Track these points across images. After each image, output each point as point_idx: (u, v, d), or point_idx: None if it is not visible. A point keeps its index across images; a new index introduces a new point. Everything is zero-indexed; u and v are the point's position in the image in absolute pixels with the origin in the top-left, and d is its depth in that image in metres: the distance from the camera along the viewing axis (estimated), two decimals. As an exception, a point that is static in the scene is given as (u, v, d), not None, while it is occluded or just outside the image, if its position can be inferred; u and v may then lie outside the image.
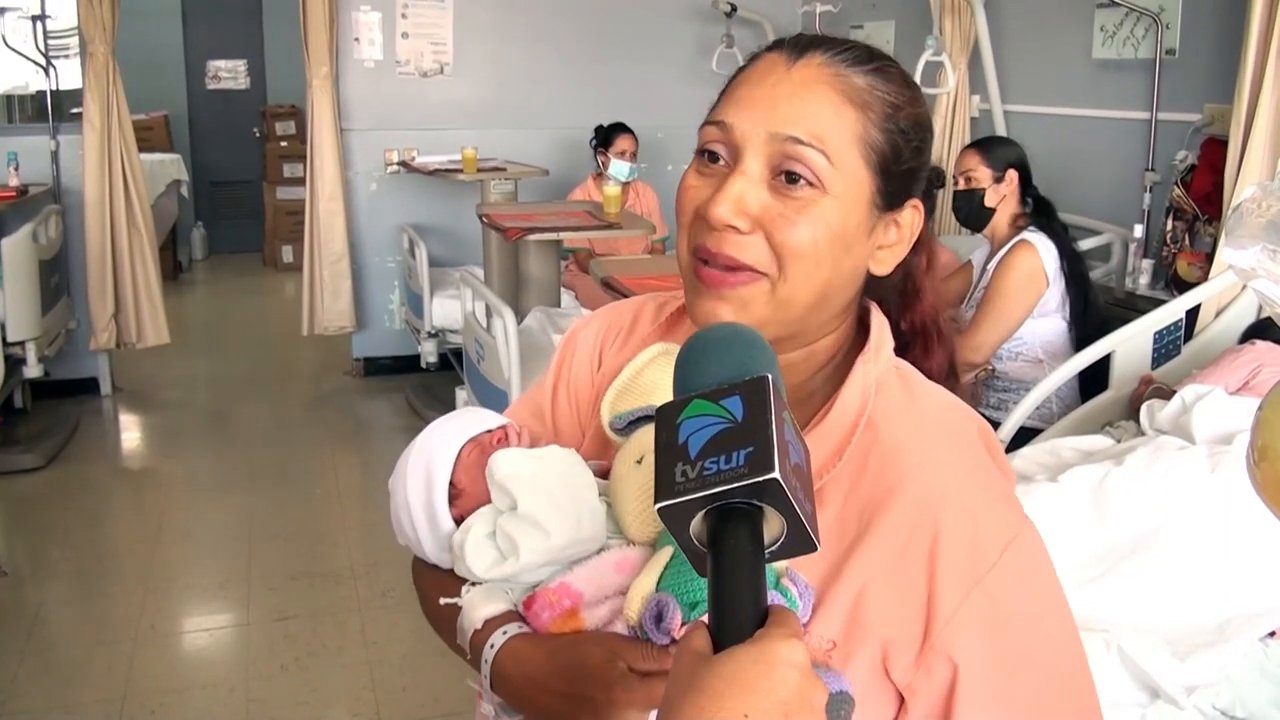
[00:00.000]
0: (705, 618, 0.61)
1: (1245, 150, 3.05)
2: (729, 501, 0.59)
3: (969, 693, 0.76)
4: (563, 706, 0.80)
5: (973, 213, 3.20)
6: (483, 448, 0.95)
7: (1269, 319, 2.91)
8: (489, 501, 0.91)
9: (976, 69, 4.51)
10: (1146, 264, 3.55)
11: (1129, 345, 2.93)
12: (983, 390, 3.21)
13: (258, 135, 8.46)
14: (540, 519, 0.85)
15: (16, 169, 4.68)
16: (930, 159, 0.90)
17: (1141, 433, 2.54)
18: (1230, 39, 3.25)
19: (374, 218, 5.44)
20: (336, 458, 4.60)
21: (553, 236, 4.15)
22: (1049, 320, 3.13)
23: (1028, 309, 3.08)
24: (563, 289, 4.64)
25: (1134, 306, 3.36)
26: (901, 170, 0.85)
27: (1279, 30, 2.96)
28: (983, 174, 3.16)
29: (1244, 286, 3.06)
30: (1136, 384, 2.88)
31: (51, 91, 5.04)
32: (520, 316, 3.97)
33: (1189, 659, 1.86)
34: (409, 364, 5.39)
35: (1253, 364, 2.62)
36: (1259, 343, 2.72)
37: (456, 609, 0.89)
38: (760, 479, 0.57)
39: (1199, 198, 3.40)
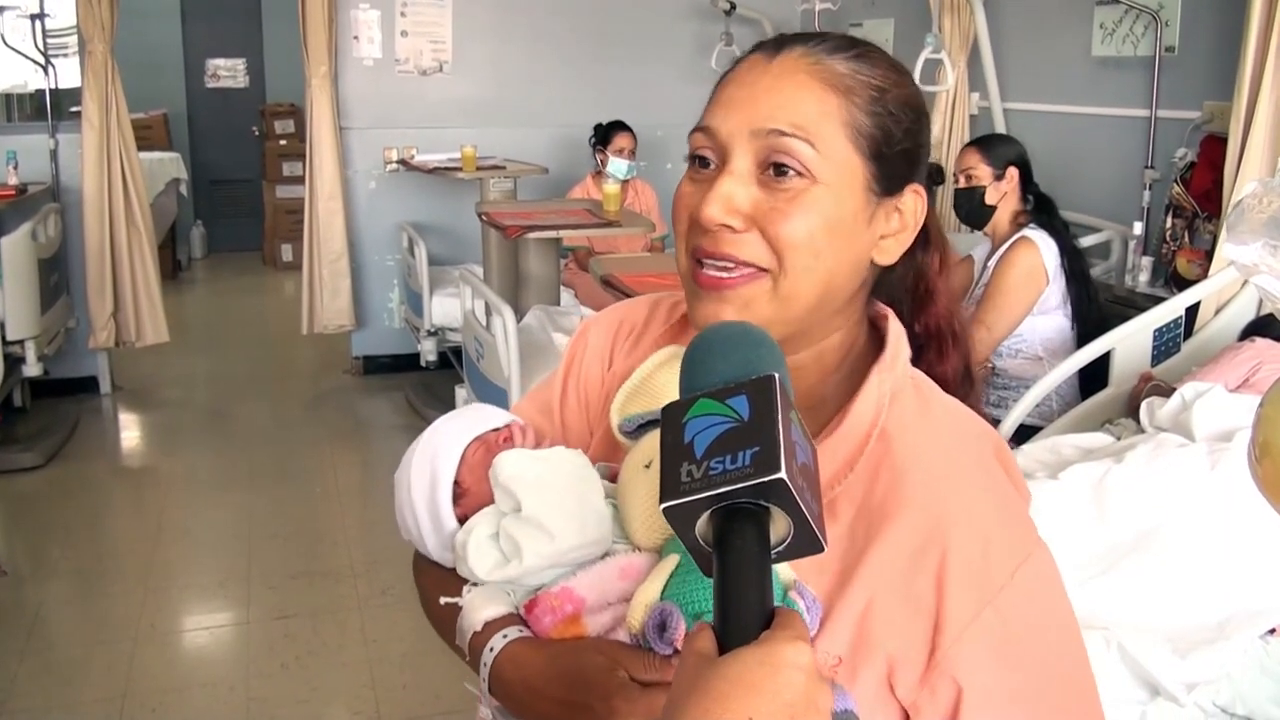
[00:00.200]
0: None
1: (1245, 147, 3.05)
2: (735, 502, 0.58)
3: (973, 716, 0.75)
4: (561, 714, 0.78)
5: (973, 210, 3.20)
6: (489, 447, 0.94)
7: (1268, 316, 2.91)
8: (494, 501, 0.89)
9: (976, 67, 4.51)
10: (1146, 261, 3.55)
11: (1129, 343, 2.93)
12: (983, 388, 3.21)
13: (257, 134, 8.45)
14: (544, 522, 0.83)
15: (16, 168, 4.67)
16: (928, 142, 0.88)
17: (1141, 430, 2.54)
18: (1230, 36, 3.25)
19: (373, 216, 5.44)
20: (336, 456, 4.59)
21: (552, 235, 4.15)
22: (1050, 318, 3.13)
23: (1028, 306, 3.08)
24: (562, 287, 4.64)
25: (1133, 304, 3.36)
26: (895, 152, 0.83)
27: (1279, 27, 2.96)
28: (983, 172, 3.16)
29: (1244, 283, 3.06)
30: (1136, 381, 2.88)
31: (50, 90, 5.04)
32: (520, 315, 3.97)
33: (1189, 656, 1.86)
34: (408, 362, 5.39)
35: (1252, 361, 2.62)
36: (1258, 340, 2.72)
37: (457, 609, 0.88)
38: (766, 479, 0.57)
39: (1198, 195, 3.40)
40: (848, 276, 0.84)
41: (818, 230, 0.80)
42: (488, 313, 3.54)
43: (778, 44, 0.85)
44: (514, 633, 0.83)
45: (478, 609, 0.86)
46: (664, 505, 0.59)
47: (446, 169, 5.02)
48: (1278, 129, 3.03)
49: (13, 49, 5.25)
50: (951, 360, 0.94)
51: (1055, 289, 3.10)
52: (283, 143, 8.19)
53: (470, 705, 0.95)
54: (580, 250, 4.96)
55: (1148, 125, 3.71)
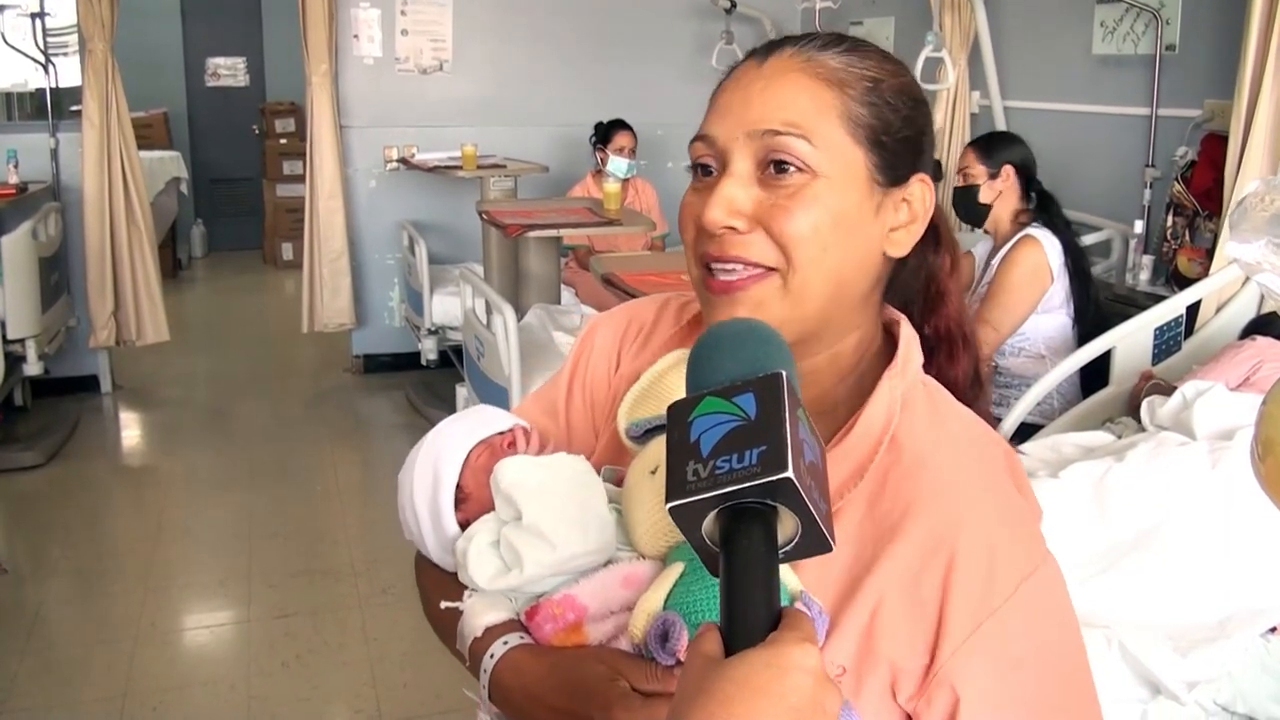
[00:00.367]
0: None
1: (1246, 146, 3.05)
2: (742, 501, 0.58)
3: None
4: None
5: (970, 209, 3.23)
6: (493, 450, 0.93)
7: (1269, 314, 2.91)
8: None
9: (976, 65, 4.50)
10: (1147, 260, 3.55)
11: (1129, 341, 2.93)
12: (991, 389, 3.21)
13: (257, 132, 8.45)
14: (545, 530, 0.82)
15: (16, 166, 4.67)
16: (931, 130, 0.87)
17: (1142, 429, 2.54)
18: (1230, 34, 3.25)
19: (373, 215, 5.43)
20: (336, 455, 4.59)
21: (553, 233, 4.15)
22: (1052, 316, 3.13)
23: (1033, 304, 3.09)
24: (563, 286, 4.64)
25: (1134, 302, 3.36)
26: (896, 140, 0.83)
27: (1279, 25, 2.96)
28: (978, 170, 3.19)
29: (1245, 282, 3.06)
30: (1137, 380, 2.88)
31: (51, 89, 5.04)
32: (520, 313, 3.97)
33: (1190, 655, 1.86)
34: (409, 361, 5.38)
35: (1253, 360, 2.62)
36: (1259, 338, 2.72)
37: (458, 613, 0.87)
38: (773, 478, 0.56)
39: (1199, 193, 3.40)
40: (858, 269, 0.84)
41: (823, 223, 0.80)
42: (488, 311, 3.54)
43: (768, 48, 0.85)
44: (515, 639, 0.82)
45: (478, 614, 0.85)
46: (670, 505, 0.58)
47: (447, 168, 5.02)
48: (1278, 127, 3.03)
49: (13, 48, 5.25)
50: (962, 363, 0.93)
51: (1059, 287, 3.10)
52: (283, 141, 8.19)
53: (470, 705, 0.94)
54: (581, 249, 4.96)
55: (1148, 123, 3.71)
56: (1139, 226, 3.60)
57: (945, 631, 0.75)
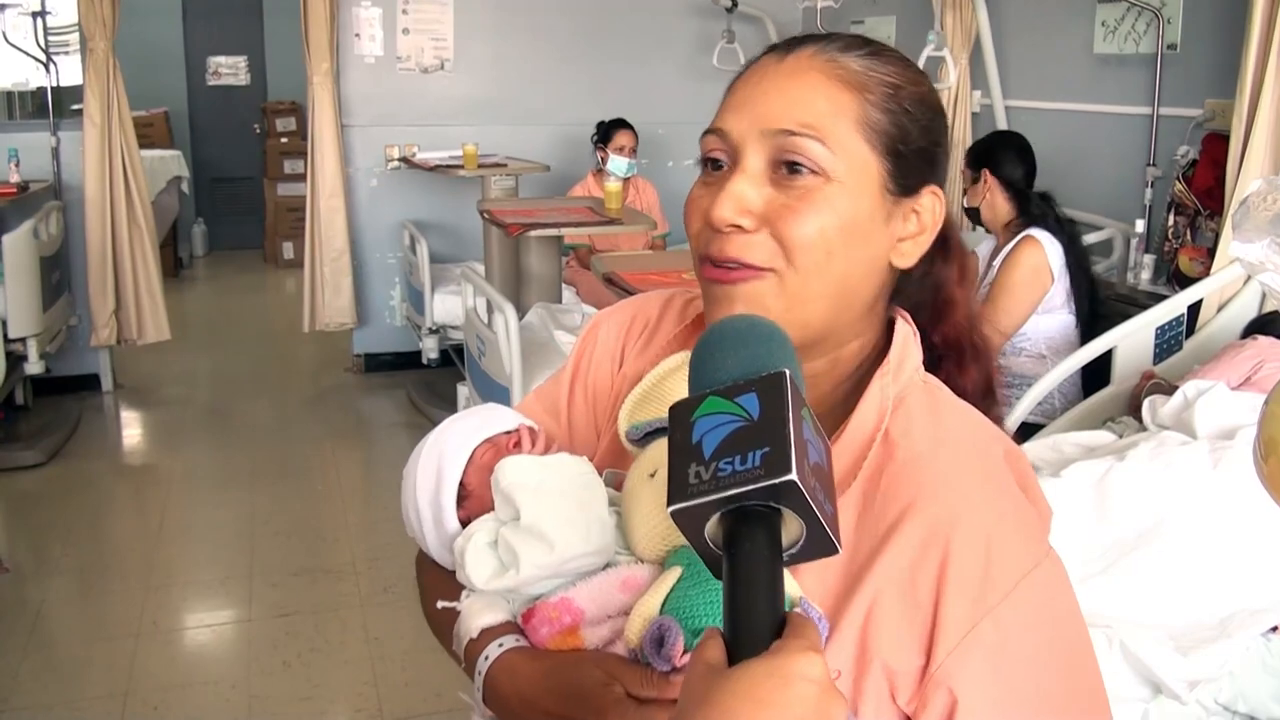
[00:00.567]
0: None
1: (1247, 145, 3.05)
2: (745, 504, 0.56)
3: None
4: None
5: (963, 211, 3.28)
6: (498, 449, 0.92)
7: (1270, 314, 2.91)
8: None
9: (978, 64, 4.50)
10: (1148, 259, 3.55)
11: (1130, 340, 2.93)
12: (1003, 397, 3.22)
13: (258, 131, 8.45)
14: (544, 530, 0.81)
15: (17, 165, 4.68)
16: (947, 142, 0.86)
17: (1143, 428, 2.54)
18: (1232, 33, 3.25)
19: (375, 214, 5.43)
20: (338, 454, 4.60)
21: (554, 232, 4.15)
22: (1054, 316, 3.13)
23: (1034, 304, 3.09)
24: (564, 285, 4.63)
25: (1135, 302, 3.36)
26: (912, 150, 0.81)
27: (1281, 25, 2.95)
28: (963, 175, 3.27)
29: (1246, 281, 3.06)
30: (1138, 379, 2.88)
31: (52, 88, 5.05)
32: (521, 312, 3.97)
33: (1191, 654, 1.86)
34: (410, 360, 5.38)
35: (1254, 359, 2.62)
36: (1260, 338, 2.72)
37: (455, 613, 0.86)
38: (777, 481, 0.55)
39: (1200, 193, 3.40)
40: (863, 278, 0.82)
41: (830, 228, 0.78)
42: (489, 310, 3.54)
43: (789, 44, 0.84)
44: (510, 642, 0.82)
45: (474, 615, 0.84)
46: (672, 508, 0.57)
47: (448, 167, 5.02)
48: (1280, 127, 3.03)
49: (14, 46, 5.25)
50: (970, 374, 0.91)
51: (1060, 287, 3.10)
52: (284, 140, 8.19)
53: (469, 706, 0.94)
54: (582, 248, 4.97)
55: (1149, 123, 3.71)
56: (1140, 226, 3.60)
57: (941, 631, 0.73)
